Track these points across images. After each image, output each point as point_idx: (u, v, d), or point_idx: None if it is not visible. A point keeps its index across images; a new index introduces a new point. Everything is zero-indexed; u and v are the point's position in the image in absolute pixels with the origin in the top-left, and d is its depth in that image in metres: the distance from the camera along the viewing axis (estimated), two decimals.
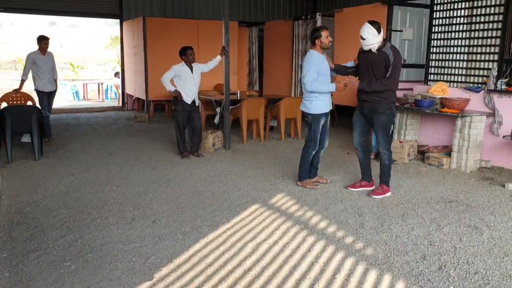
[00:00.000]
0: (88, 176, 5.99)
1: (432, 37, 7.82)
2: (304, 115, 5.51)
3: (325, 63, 5.30)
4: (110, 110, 13.39)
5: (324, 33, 5.19)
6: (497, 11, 6.77)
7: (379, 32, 4.90)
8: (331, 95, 5.53)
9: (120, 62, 14.19)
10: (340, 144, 8.24)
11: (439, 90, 6.91)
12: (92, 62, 30.23)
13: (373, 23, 4.93)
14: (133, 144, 8.10)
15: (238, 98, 8.80)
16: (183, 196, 5.17)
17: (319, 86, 5.19)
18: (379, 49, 4.95)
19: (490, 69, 6.80)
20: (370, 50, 5.02)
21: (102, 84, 17.19)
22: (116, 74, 15.33)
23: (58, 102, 14.18)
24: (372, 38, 4.91)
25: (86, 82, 18.11)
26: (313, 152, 5.49)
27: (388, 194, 5.23)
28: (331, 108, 5.51)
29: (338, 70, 5.51)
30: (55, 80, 8.43)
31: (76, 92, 16.40)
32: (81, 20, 29.73)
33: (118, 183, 5.68)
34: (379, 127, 5.13)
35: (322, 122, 5.41)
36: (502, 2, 6.64)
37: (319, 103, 5.31)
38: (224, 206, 4.82)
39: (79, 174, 6.08)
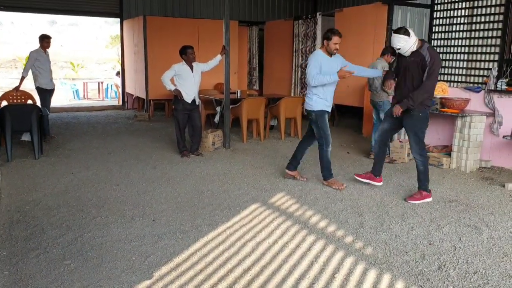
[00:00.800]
0: (88, 175, 5.99)
1: (433, 37, 7.83)
2: (309, 114, 5.51)
3: (330, 63, 5.28)
4: (110, 109, 13.39)
5: (334, 38, 5.20)
6: (497, 11, 6.78)
7: (408, 35, 4.75)
8: (333, 96, 5.53)
9: (120, 61, 14.18)
10: (340, 144, 8.24)
11: (439, 90, 6.89)
12: (92, 61, 30.20)
13: (398, 30, 4.81)
14: (133, 143, 8.10)
15: (238, 97, 8.80)
16: (183, 195, 5.18)
17: (320, 78, 5.22)
18: (416, 50, 4.83)
19: (490, 69, 6.80)
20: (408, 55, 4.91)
21: (102, 83, 17.17)
22: (117, 74, 15.32)
23: (58, 101, 14.20)
24: (406, 45, 4.78)
25: (86, 81, 18.09)
26: (329, 149, 5.49)
27: (428, 200, 5.04)
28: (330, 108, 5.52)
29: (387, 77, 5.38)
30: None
31: (76, 91, 16.39)
32: (82, 19, 29.71)
33: (118, 182, 5.68)
34: (410, 130, 5.02)
35: (327, 118, 5.43)
36: (503, 2, 6.65)
37: (319, 100, 5.35)
38: (223, 205, 4.82)
39: (79, 173, 6.08)
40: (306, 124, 10.13)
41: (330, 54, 5.31)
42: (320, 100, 5.37)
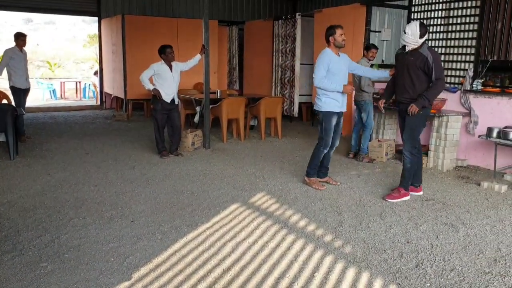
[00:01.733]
0: (65, 175, 5.90)
1: None
2: (316, 113, 5.53)
3: (339, 64, 5.24)
4: (88, 109, 13.22)
5: (338, 31, 5.19)
6: (473, 13, 6.90)
7: (421, 37, 4.74)
8: (346, 95, 5.45)
9: (98, 61, 14.01)
10: None
11: None
12: (69, 60, 29.74)
13: (422, 25, 4.77)
14: (111, 144, 8.00)
15: (218, 97, 8.78)
16: (162, 195, 5.13)
17: (326, 83, 5.18)
18: (415, 50, 4.83)
19: (466, 69, 6.93)
20: (407, 53, 4.91)
21: (80, 82, 16.95)
22: (95, 73, 15.13)
23: (35, 101, 13.96)
24: (411, 38, 4.76)
25: (63, 80, 17.82)
26: (325, 151, 5.47)
27: (406, 198, 5.06)
28: (344, 109, 5.44)
29: (386, 96, 5.42)
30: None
31: (53, 90, 16.12)
32: (58, 17, 29.21)
33: (96, 182, 5.61)
34: (407, 127, 5.03)
35: (334, 120, 5.37)
36: (478, 4, 6.77)
37: (328, 101, 5.28)
38: (203, 206, 4.80)
39: (56, 173, 5.98)
40: (287, 124, 10.21)
41: (338, 51, 5.28)
42: (330, 100, 5.28)
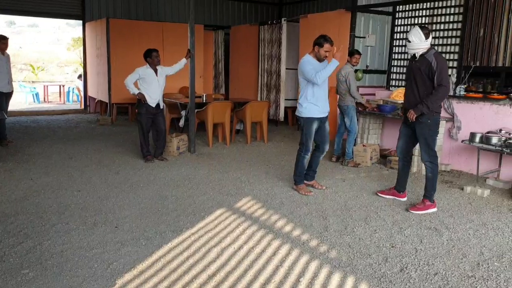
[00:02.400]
0: (48, 180, 5.82)
1: (394, 44, 8.01)
2: (297, 119, 5.54)
3: (318, 67, 5.23)
4: (72, 113, 13.07)
5: (326, 45, 5.17)
6: (456, 19, 7.00)
7: (426, 38, 4.70)
8: (328, 100, 5.45)
9: (82, 64, 13.88)
10: None
11: (400, 95, 7.06)
12: (53, 63, 29.44)
13: (422, 28, 4.73)
14: (95, 148, 7.92)
15: (204, 101, 8.76)
16: (146, 200, 5.09)
17: (323, 72, 5.13)
18: (422, 55, 4.77)
19: (450, 75, 7.01)
20: (414, 58, 4.88)
21: (63, 86, 16.76)
22: (79, 77, 14.98)
23: (17, 104, 13.77)
24: (418, 43, 4.71)
25: (46, 84, 17.60)
26: (306, 156, 5.47)
27: (432, 210, 4.92)
28: (325, 114, 5.43)
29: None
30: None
31: (36, 94, 15.91)
32: (42, 20, 28.93)
33: (79, 187, 5.54)
34: (420, 137, 4.94)
35: (315, 126, 5.36)
36: (461, 11, 6.87)
37: (309, 106, 5.29)
38: (188, 211, 4.77)
39: (38, 178, 5.90)
40: (273, 128, 10.22)
41: (319, 60, 5.27)
42: (311, 106, 5.28)
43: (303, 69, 5.23)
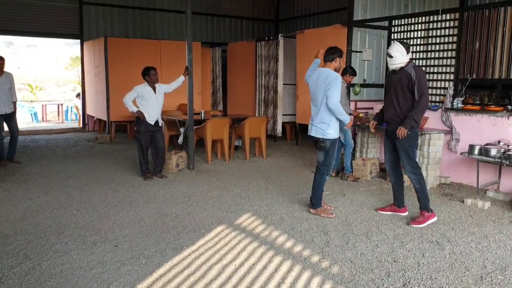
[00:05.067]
0: (47, 200, 5.79)
1: None
2: (320, 141, 5.18)
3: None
4: (70, 132, 13.07)
5: (343, 57, 5.09)
6: (451, 33, 7.06)
7: (407, 52, 4.83)
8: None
9: (80, 83, 13.93)
10: (304, 163, 8.30)
11: None
12: (51, 82, 29.51)
13: (402, 43, 4.88)
14: (94, 166, 7.90)
15: (202, 118, 8.77)
16: (146, 219, 5.06)
17: (341, 110, 5.02)
18: (401, 68, 4.89)
19: (447, 88, 7.04)
20: (394, 72, 4.97)
21: (62, 105, 16.79)
22: (77, 95, 15.03)
23: None
24: (400, 57, 4.82)
25: (45, 103, 17.65)
26: (327, 178, 5.32)
27: (432, 220, 4.96)
28: None
29: (379, 120, 5.41)
30: (14, 103, 8.15)
31: (34, 113, 15.95)
32: (40, 40, 29.09)
33: (78, 206, 5.51)
34: (400, 150, 4.99)
35: (336, 145, 5.27)
36: (456, 25, 6.94)
37: (335, 127, 5.14)
38: (188, 228, 4.74)
39: (37, 198, 5.87)
40: (271, 144, 10.22)
41: (336, 71, 5.13)
42: (336, 127, 5.15)
43: (335, 86, 4.95)
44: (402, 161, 5.07)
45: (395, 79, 4.93)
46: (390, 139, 5.15)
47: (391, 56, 4.88)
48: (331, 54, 5.09)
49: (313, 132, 5.22)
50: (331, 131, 5.13)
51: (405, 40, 7.76)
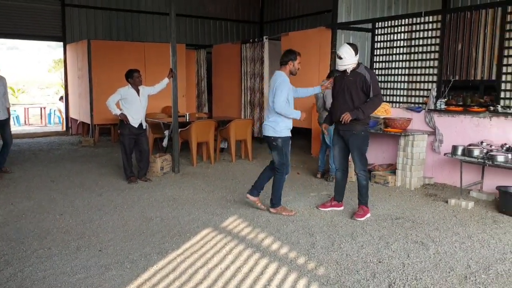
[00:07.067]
0: (29, 204, 5.70)
1: (374, 60, 8.11)
2: (271, 140, 5.22)
3: (291, 88, 5.20)
4: (54, 135, 12.92)
5: (298, 58, 5.19)
6: (434, 35, 7.12)
7: (356, 53, 5.01)
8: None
9: (64, 86, 13.78)
10: (291, 165, 8.29)
11: (382, 110, 7.13)
12: (34, 85, 29.13)
13: (351, 44, 5.06)
14: (77, 170, 7.81)
15: (187, 120, 8.73)
16: (130, 223, 5.01)
17: (288, 110, 5.09)
18: (353, 70, 5.07)
19: (430, 89, 7.11)
20: (345, 74, 5.11)
21: (44, 108, 16.59)
22: (61, 98, 14.86)
23: None
24: (349, 59, 5.00)
25: (27, 106, 17.40)
26: (286, 177, 5.36)
27: (369, 214, 5.23)
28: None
29: (326, 121, 5.59)
30: (8, 109, 7.62)
31: (16, 117, 15.70)
32: (22, 42, 28.71)
33: (61, 211, 5.43)
34: (354, 149, 5.20)
35: (289, 144, 5.31)
36: (439, 27, 7.01)
37: (285, 125, 5.18)
38: (173, 232, 4.70)
39: (19, 203, 5.77)
40: (257, 146, 10.22)
41: (293, 74, 5.21)
42: (286, 124, 5.19)
43: (279, 88, 5.05)
44: (353, 159, 5.26)
45: (349, 81, 5.10)
46: (341, 139, 5.32)
47: (340, 58, 5.05)
48: (284, 57, 5.20)
49: (265, 131, 5.29)
50: (281, 129, 5.17)
51: (388, 42, 7.82)
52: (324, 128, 5.70)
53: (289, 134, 5.30)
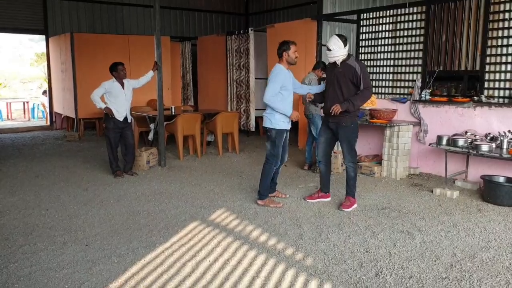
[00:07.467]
0: (13, 200, 5.63)
1: (360, 51, 8.14)
2: (267, 130, 5.31)
3: (290, 79, 5.22)
4: (37, 130, 12.76)
5: (293, 47, 5.16)
6: (418, 26, 7.17)
7: (345, 45, 5.00)
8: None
9: (47, 80, 13.59)
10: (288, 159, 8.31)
11: (368, 101, 7.16)
12: (16, 80, 28.68)
13: (340, 36, 5.04)
14: (62, 165, 7.73)
15: (173, 113, 8.68)
16: (117, 217, 4.98)
17: (277, 103, 5.09)
18: (343, 62, 5.05)
19: (415, 80, 7.16)
20: (335, 65, 5.10)
21: (27, 103, 16.36)
22: (44, 92, 14.65)
23: None
24: (338, 50, 4.99)
25: (9, 101, 17.15)
26: (275, 168, 5.40)
27: (355, 205, 5.28)
28: (290, 126, 5.39)
29: (316, 100, 5.56)
30: None
31: None
32: (2, 36, 28.22)
33: (47, 206, 5.38)
34: (344, 141, 5.21)
35: (284, 137, 5.33)
36: (423, 18, 7.05)
37: (280, 118, 5.19)
38: (161, 226, 4.68)
39: (3, 199, 5.69)
40: (244, 139, 10.20)
41: (291, 64, 5.21)
42: (281, 117, 5.19)
43: (273, 79, 5.10)
44: (343, 151, 5.28)
45: (338, 72, 5.09)
46: (329, 131, 5.33)
47: (329, 49, 5.06)
48: (278, 50, 5.22)
49: (264, 122, 5.37)
50: (276, 121, 5.20)
51: (373, 34, 7.85)
52: (308, 96, 5.56)
53: (286, 127, 5.29)
